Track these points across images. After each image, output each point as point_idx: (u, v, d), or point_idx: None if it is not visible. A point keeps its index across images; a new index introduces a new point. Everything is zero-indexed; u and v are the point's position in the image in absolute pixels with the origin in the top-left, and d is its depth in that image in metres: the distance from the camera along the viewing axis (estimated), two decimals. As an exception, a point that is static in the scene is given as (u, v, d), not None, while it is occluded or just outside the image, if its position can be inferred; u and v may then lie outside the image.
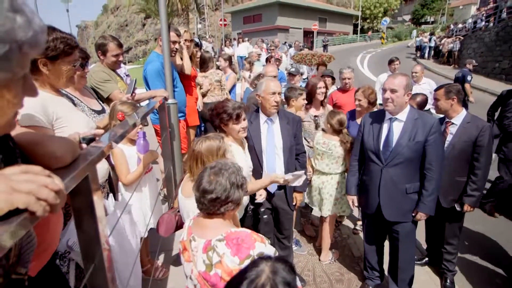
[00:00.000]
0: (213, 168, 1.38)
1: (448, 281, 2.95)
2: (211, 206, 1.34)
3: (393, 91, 2.25)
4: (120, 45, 2.94)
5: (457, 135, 2.70)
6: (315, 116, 3.50)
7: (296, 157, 2.66)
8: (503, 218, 4.09)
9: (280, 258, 0.93)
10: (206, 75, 4.79)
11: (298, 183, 2.25)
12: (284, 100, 3.32)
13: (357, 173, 2.67)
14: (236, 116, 2.16)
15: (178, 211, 2.09)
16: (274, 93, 2.44)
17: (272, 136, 2.53)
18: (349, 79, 4.21)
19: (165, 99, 2.90)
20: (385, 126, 2.40)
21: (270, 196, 2.59)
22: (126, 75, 4.08)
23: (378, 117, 2.48)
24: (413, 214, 2.42)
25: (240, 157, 2.23)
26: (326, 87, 3.63)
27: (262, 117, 2.55)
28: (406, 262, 2.57)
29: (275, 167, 2.54)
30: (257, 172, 2.53)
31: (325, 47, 25.32)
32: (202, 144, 1.83)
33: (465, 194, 2.70)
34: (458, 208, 2.75)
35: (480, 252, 3.47)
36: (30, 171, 0.69)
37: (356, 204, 2.72)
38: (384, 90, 2.31)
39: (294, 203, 2.73)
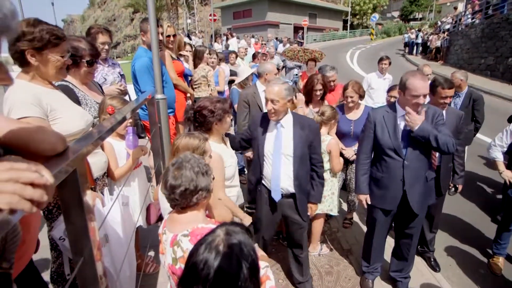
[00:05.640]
0: (175, 164, 1.39)
1: (432, 260, 3.18)
2: (183, 199, 1.36)
3: (425, 96, 2.25)
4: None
5: (448, 125, 2.71)
6: (316, 112, 3.52)
7: (312, 166, 2.47)
8: (482, 207, 4.21)
9: (236, 222, 1.03)
10: (196, 70, 4.79)
11: None
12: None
13: (369, 172, 2.60)
14: (230, 106, 2.21)
15: None
16: (267, 100, 2.28)
17: (279, 141, 2.34)
18: (333, 81, 4.24)
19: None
20: (400, 122, 2.39)
21: (274, 203, 2.49)
22: (121, 75, 3.92)
23: (389, 113, 2.45)
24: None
25: (227, 154, 2.25)
26: (325, 85, 3.63)
27: (272, 121, 2.38)
28: (414, 250, 2.73)
29: (279, 175, 2.38)
30: (259, 179, 2.51)
31: (300, 44, 22.49)
32: (182, 140, 1.83)
33: (458, 176, 3.00)
34: (452, 190, 3.10)
35: (464, 240, 3.59)
36: (15, 168, 0.67)
37: (369, 202, 2.64)
38: (418, 96, 2.22)
39: (308, 214, 2.60)
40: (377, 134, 2.46)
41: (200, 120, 2.16)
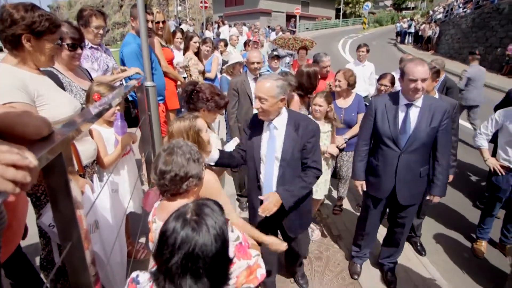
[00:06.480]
0: (166, 149, 1.39)
1: (418, 244, 3.27)
2: (173, 185, 1.35)
3: (424, 80, 2.16)
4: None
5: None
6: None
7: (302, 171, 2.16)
8: (467, 193, 4.32)
9: (209, 198, 1.09)
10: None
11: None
12: None
13: (366, 159, 2.60)
14: (224, 105, 2.23)
15: None
16: (255, 97, 2.03)
17: (273, 143, 2.09)
18: (329, 66, 4.24)
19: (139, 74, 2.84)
20: (401, 112, 2.34)
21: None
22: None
23: (391, 102, 2.39)
24: (428, 198, 2.51)
25: (213, 137, 2.27)
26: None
27: (265, 121, 2.15)
28: (405, 238, 2.77)
29: (272, 180, 2.15)
30: (254, 185, 2.24)
31: (292, 32, 22.16)
32: (174, 125, 1.83)
33: (450, 166, 2.99)
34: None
35: (449, 226, 3.69)
36: None
37: (364, 189, 2.63)
38: (415, 81, 2.16)
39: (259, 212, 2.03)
40: (377, 122, 2.43)
41: (194, 98, 2.19)
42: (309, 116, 3.15)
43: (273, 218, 2.10)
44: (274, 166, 2.12)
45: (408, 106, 2.32)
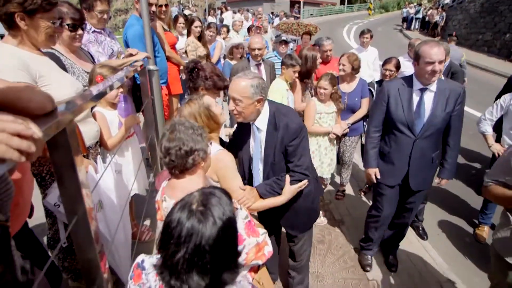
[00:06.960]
0: (169, 128, 1.39)
1: (420, 228, 3.30)
2: (179, 160, 1.35)
3: (441, 62, 2.10)
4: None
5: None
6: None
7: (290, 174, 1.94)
8: (470, 179, 4.31)
9: (215, 186, 1.06)
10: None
11: None
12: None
13: (378, 146, 2.51)
14: (223, 87, 2.25)
15: None
16: (229, 98, 1.89)
17: (258, 145, 1.95)
18: (330, 50, 4.17)
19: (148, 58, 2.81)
20: (416, 96, 2.28)
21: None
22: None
23: (405, 86, 2.32)
24: (438, 182, 2.49)
25: None
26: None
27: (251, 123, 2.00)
28: (410, 223, 2.76)
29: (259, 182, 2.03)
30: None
31: (296, 19, 23.11)
32: (184, 111, 1.81)
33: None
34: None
35: (451, 211, 3.70)
36: (0, 119, 0.67)
37: (378, 177, 2.52)
38: (433, 63, 2.09)
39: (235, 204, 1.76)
40: (390, 108, 2.35)
41: (194, 75, 2.21)
42: (313, 98, 3.15)
43: (273, 213, 2.00)
44: (260, 168, 1.99)
45: (423, 90, 2.26)
